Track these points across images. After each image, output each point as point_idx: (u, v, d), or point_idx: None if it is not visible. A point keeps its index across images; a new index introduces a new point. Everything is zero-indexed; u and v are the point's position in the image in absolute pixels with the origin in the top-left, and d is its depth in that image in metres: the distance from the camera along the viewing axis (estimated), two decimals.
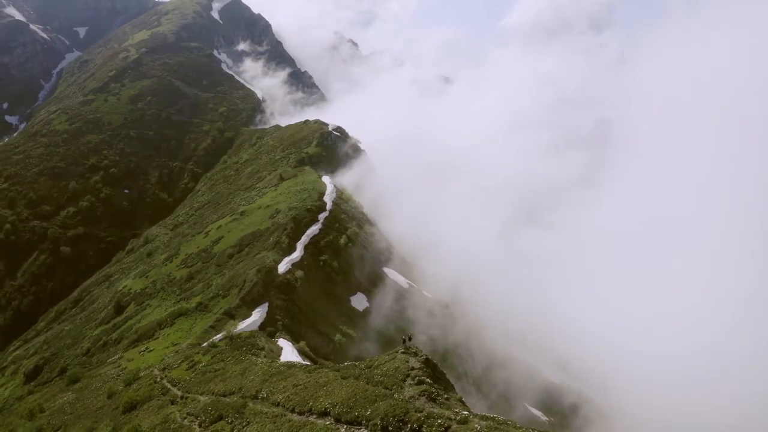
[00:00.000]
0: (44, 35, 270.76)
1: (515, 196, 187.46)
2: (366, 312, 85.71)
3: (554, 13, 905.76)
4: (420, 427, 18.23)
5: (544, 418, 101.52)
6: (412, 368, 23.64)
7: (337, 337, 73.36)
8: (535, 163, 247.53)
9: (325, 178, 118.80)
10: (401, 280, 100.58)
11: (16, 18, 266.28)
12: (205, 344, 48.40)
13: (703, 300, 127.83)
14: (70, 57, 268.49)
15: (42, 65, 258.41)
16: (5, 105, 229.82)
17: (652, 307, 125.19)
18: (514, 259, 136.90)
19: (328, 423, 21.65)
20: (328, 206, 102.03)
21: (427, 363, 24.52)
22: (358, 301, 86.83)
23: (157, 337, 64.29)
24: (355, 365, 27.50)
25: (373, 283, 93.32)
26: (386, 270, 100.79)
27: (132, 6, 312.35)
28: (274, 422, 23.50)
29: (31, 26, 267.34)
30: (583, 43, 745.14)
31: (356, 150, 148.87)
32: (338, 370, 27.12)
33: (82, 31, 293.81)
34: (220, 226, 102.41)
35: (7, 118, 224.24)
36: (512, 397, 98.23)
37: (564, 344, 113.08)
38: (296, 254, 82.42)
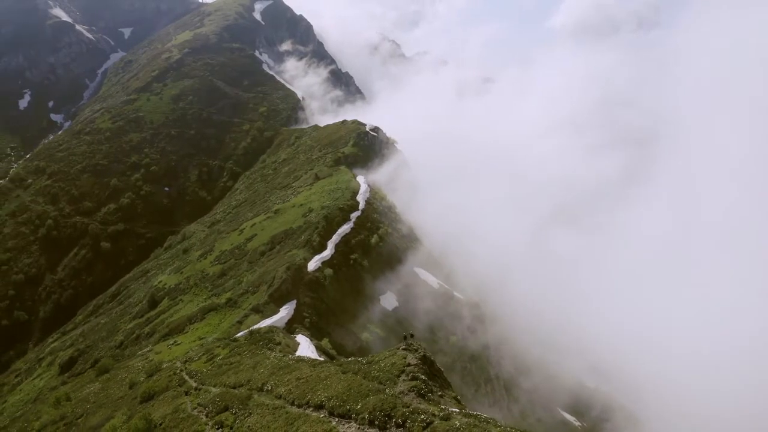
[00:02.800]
0: (90, 36, 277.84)
1: (554, 196, 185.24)
2: (395, 311, 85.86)
3: (600, 13, 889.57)
4: (404, 421, 18.34)
5: (577, 422, 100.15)
6: (409, 364, 23.71)
7: (365, 335, 73.76)
8: (578, 163, 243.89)
9: (360, 178, 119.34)
10: (432, 280, 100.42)
11: (63, 19, 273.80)
12: (227, 339, 49.37)
13: (746, 303, 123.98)
14: (115, 57, 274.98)
15: (87, 65, 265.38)
16: (51, 103, 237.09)
17: (692, 310, 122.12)
18: (548, 260, 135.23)
19: (321, 416, 21.95)
20: (361, 205, 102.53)
21: (424, 360, 24.56)
22: (388, 300, 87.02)
23: (187, 332, 65.68)
24: (358, 360, 27.73)
25: (403, 282, 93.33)
26: (417, 269, 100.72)
27: (176, 7, 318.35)
28: (273, 414, 23.92)
29: (77, 27, 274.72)
30: (630, 43, 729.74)
31: (392, 150, 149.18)
32: (340, 365, 27.41)
33: (126, 32, 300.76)
34: (255, 224, 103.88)
35: (53, 116, 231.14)
36: (544, 401, 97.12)
37: (598, 347, 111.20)
38: (327, 252, 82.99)
